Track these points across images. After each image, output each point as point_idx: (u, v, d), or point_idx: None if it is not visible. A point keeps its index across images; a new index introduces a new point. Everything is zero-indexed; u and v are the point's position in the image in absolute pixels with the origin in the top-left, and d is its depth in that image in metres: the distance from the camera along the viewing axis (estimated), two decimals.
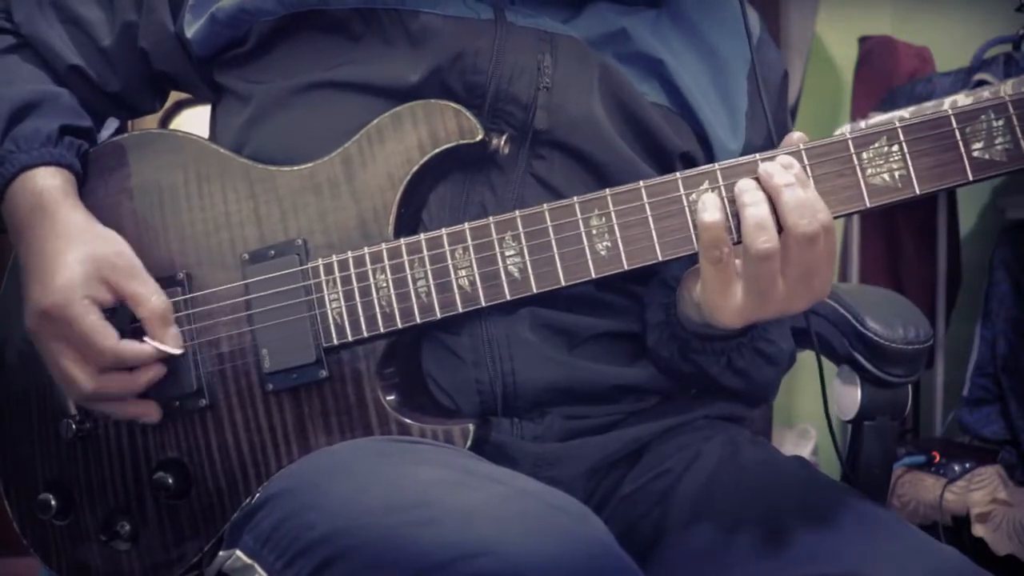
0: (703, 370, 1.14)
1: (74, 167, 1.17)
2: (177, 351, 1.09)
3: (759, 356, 1.15)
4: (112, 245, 1.12)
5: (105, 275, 1.09)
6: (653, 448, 1.17)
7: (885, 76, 3.34)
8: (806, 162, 1.00)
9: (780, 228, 0.97)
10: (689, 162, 1.18)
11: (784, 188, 0.96)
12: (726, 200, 0.99)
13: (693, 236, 1.01)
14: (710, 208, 0.98)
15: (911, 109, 2.74)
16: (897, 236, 3.26)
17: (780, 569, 0.98)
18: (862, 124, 2.92)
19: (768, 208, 0.97)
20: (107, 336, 1.07)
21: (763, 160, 1.00)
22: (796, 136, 1.01)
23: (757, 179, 0.98)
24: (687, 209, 1.01)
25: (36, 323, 1.10)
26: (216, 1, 1.17)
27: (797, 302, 0.99)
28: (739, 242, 0.99)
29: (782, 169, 0.98)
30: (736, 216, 0.98)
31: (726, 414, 1.24)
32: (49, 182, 1.14)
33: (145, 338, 1.09)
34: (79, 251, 1.10)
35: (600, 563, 0.85)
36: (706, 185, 1.01)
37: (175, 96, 1.37)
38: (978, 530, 2.55)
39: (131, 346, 1.08)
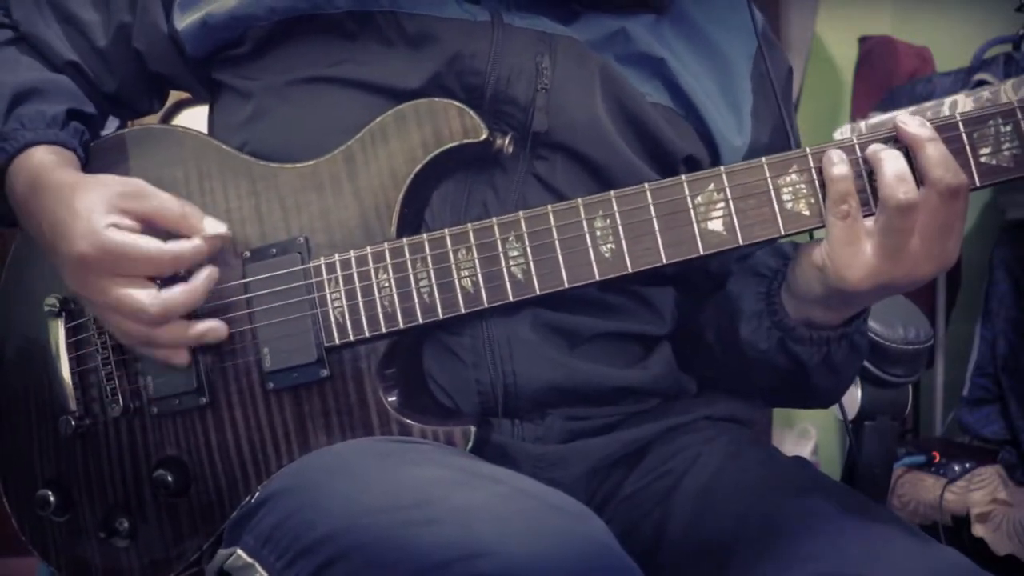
0: (799, 362, 1.11)
1: (77, 151, 1.16)
2: (223, 229, 1.07)
3: (854, 351, 1.13)
4: (114, 180, 1.10)
5: (120, 205, 1.06)
6: (654, 449, 1.17)
7: (885, 76, 3.35)
8: (812, 165, 1.00)
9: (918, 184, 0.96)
10: (693, 165, 1.18)
11: (928, 142, 0.96)
12: (860, 158, 0.99)
13: (698, 239, 1.01)
14: (838, 162, 0.98)
15: (911, 109, 2.74)
16: None
17: (781, 569, 0.98)
18: (862, 124, 2.92)
19: (905, 162, 0.96)
20: (152, 241, 1.05)
21: (808, 153, 1.00)
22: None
23: (891, 137, 0.98)
24: (692, 212, 1.01)
25: (75, 276, 1.07)
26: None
27: (927, 264, 0.98)
28: (868, 214, 0.98)
29: (921, 124, 0.97)
30: (869, 175, 0.98)
31: (727, 415, 1.24)
32: (45, 158, 1.13)
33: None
34: (85, 196, 1.07)
35: (600, 563, 0.85)
36: (712, 187, 1.01)
37: (175, 96, 1.37)
38: (978, 530, 2.55)
39: (180, 243, 1.05)
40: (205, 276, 1.07)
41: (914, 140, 0.97)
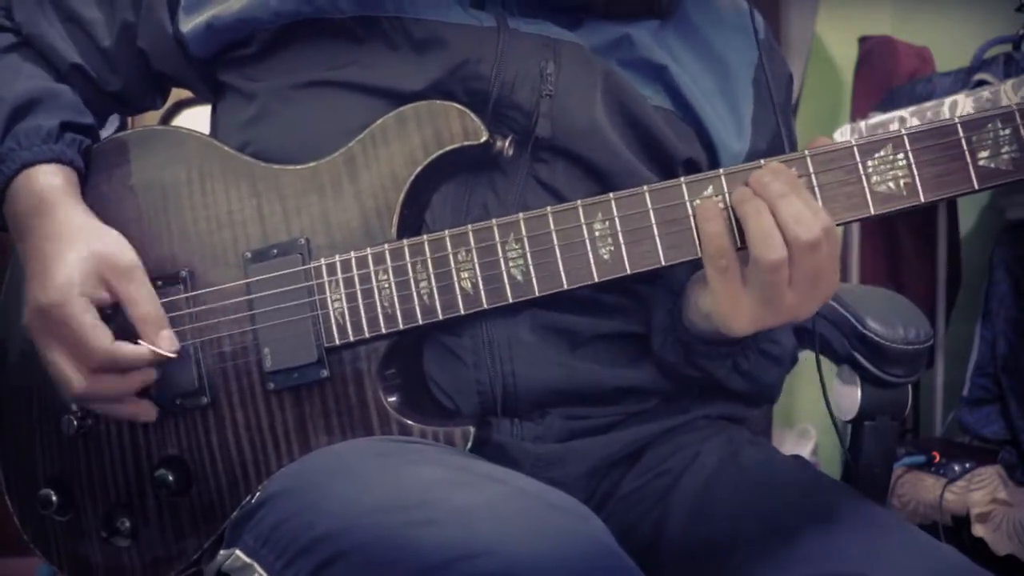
0: (709, 374, 1.15)
1: (76, 163, 1.17)
2: (171, 354, 1.09)
3: (764, 357, 1.16)
4: (113, 244, 1.11)
5: (104, 274, 1.09)
6: (653, 448, 1.17)
7: (885, 76, 3.34)
8: (811, 169, 1.00)
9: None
10: (693, 168, 1.18)
11: (779, 199, 0.96)
12: (729, 206, 0.99)
13: (696, 241, 1.01)
14: (711, 217, 0.99)
15: (911, 109, 2.74)
16: (897, 236, 3.27)
17: (779, 569, 0.98)
18: (862, 124, 2.92)
19: (770, 217, 0.96)
20: (100, 336, 1.07)
21: (763, 165, 1.00)
22: (821, 141, 1.01)
23: (750, 187, 0.98)
24: (691, 214, 1.01)
25: (34, 321, 1.10)
26: (210, 1, 1.17)
27: (806, 307, 0.99)
28: (742, 248, 0.98)
29: (773, 176, 0.97)
30: (738, 222, 0.98)
31: (726, 414, 1.24)
32: (50, 181, 1.14)
33: (140, 341, 1.09)
34: (79, 250, 1.09)
35: (600, 563, 0.85)
36: (710, 190, 1.01)
37: (175, 95, 1.37)
38: (978, 530, 2.55)
39: (125, 348, 1.08)
40: (140, 379, 1.10)
41: (769, 198, 0.96)
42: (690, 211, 1.01)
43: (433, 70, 1.11)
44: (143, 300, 1.10)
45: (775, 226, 0.96)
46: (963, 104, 2.55)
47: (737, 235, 0.99)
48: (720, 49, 1.22)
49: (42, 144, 1.15)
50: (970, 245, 3.28)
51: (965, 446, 2.90)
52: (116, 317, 1.10)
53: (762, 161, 1.00)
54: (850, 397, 1.32)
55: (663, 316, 1.14)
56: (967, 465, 2.66)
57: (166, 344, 1.09)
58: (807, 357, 1.27)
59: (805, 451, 3.18)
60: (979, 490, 2.59)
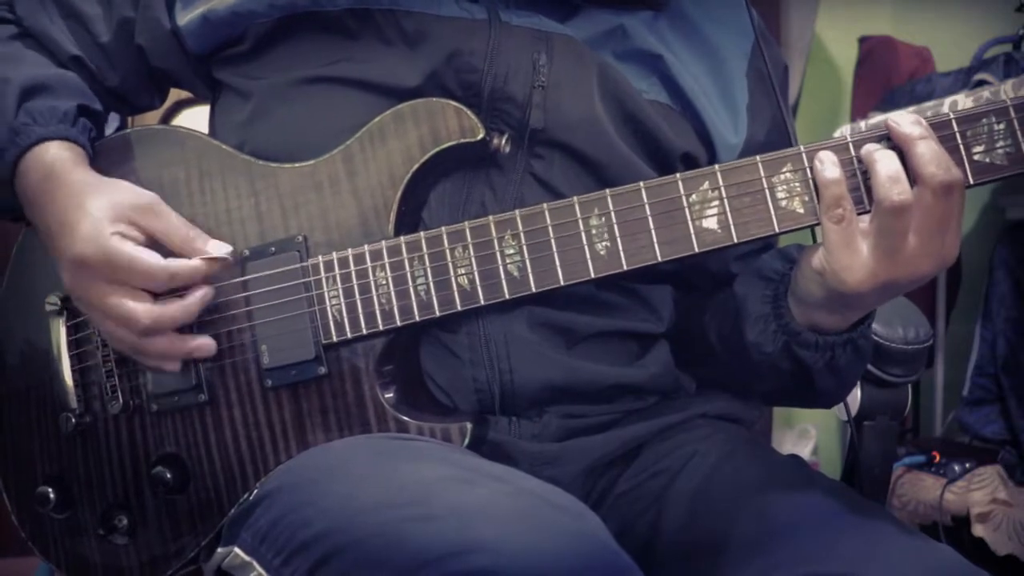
0: (804, 366, 1.12)
1: (86, 148, 1.17)
2: (226, 255, 1.08)
3: (858, 355, 1.13)
4: (128, 189, 1.11)
5: (130, 216, 1.08)
6: (650, 447, 1.17)
7: (885, 76, 3.35)
8: (806, 164, 1.00)
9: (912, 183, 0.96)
10: (690, 162, 1.18)
11: (919, 140, 0.96)
12: (854, 157, 0.99)
13: (693, 237, 1.01)
14: (829, 165, 0.98)
15: (911, 109, 2.74)
16: None
17: (775, 568, 0.98)
18: (862, 124, 2.92)
19: (898, 162, 0.96)
20: (153, 257, 1.06)
21: (802, 151, 1.00)
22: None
23: (884, 135, 0.98)
24: (687, 210, 1.01)
25: (73, 276, 1.08)
26: None
27: (926, 262, 0.98)
28: (866, 211, 0.98)
29: (912, 122, 0.97)
30: (863, 176, 0.98)
31: (724, 413, 1.24)
32: (61, 153, 1.14)
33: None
34: (98, 200, 1.08)
35: (598, 561, 0.85)
36: (706, 186, 1.01)
37: (175, 95, 1.37)
38: (978, 530, 2.55)
39: (179, 262, 1.07)
40: (200, 296, 1.08)
41: (906, 139, 0.97)
42: (686, 205, 1.01)
43: (426, 64, 1.11)
44: (176, 227, 1.08)
45: (903, 170, 0.96)
46: (963, 104, 2.55)
47: (864, 190, 0.98)
48: (714, 40, 1.22)
49: (58, 124, 1.15)
50: (970, 245, 3.28)
51: (965, 446, 2.90)
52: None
53: (758, 157, 1.01)
54: (850, 397, 1.32)
55: (759, 305, 1.13)
56: (967, 465, 2.66)
57: (217, 249, 1.08)
58: None
59: (805, 451, 3.18)
60: (979, 490, 2.59)
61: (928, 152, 0.96)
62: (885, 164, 0.96)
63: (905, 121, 0.98)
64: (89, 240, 1.06)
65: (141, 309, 1.06)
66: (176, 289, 1.08)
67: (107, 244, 1.05)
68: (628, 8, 1.18)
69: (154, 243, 1.08)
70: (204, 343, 1.09)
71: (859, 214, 0.99)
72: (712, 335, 1.22)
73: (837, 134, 3.00)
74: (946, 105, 2.62)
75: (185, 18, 1.19)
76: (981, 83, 2.83)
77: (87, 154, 1.17)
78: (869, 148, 0.98)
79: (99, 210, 1.07)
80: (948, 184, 0.95)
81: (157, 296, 1.07)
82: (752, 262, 1.21)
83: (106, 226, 1.06)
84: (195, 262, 1.07)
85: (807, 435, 3.28)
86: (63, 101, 1.17)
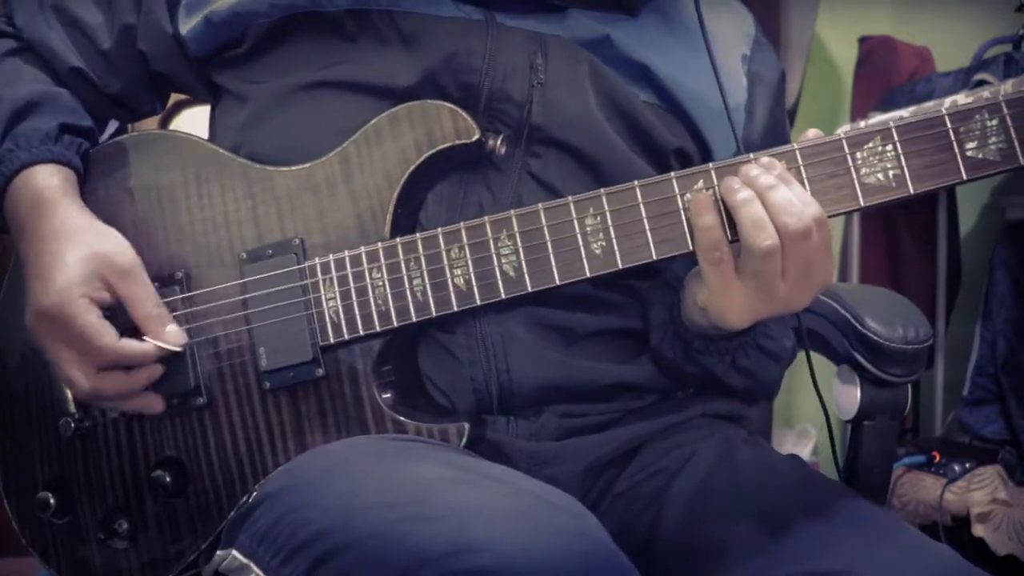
0: (708, 370, 1.15)
1: (74, 164, 1.17)
2: (177, 348, 1.09)
3: (763, 353, 1.16)
4: (112, 243, 1.11)
5: (104, 274, 1.09)
6: (648, 447, 1.17)
7: (885, 76, 3.35)
8: (800, 162, 1.00)
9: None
10: (683, 157, 1.18)
11: (767, 190, 0.97)
12: (719, 199, 1.00)
13: (688, 235, 1.01)
14: (704, 211, 0.99)
15: (911, 109, 2.74)
16: (897, 236, 3.27)
17: (774, 568, 0.98)
18: (862, 124, 2.92)
19: (760, 206, 0.97)
20: (105, 334, 1.07)
21: (752, 157, 1.00)
22: (812, 133, 1.02)
23: (740, 178, 0.99)
24: (682, 208, 1.01)
25: (36, 323, 1.10)
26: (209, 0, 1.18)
27: (800, 296, 1.00)
28: (734, 240, 0.99)
29: (762, 170, 0.98)
30: (729, 214, 0.99)
31: (723, 412, 1.24)
32: (49, 181, 1.14)
33: (145, 336, 1.09)
34: (78, 250, 1.09)
35: (596, 561, 0.85)
36: (701, 184, 1.01)
37: (175, 96, 1.37)
38: (978, 530, 2.55)
39: (130, 344, 1.08)
40: (146, 375, 1.10)
41: (759, 191, 0.97)
42: (680, 205, 1.01)
43: (423, 64, 1.11)
44: (144, 298, 1.10)
45: (766, 214, 0.97)
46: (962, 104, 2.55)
47: (729, 229, 0.99)
48: (713, 37, 1.21)
49: (40, 145, 1.15)
50: (970, 245, 3.28)
51: (965, 446, 2.90)
52: (119, 316, 1.10)
53: (751, 155, 1.01)
54: (850, 397, 1.32)
55: (661, 312, 1.15)
56: (967, 465, 2.66)
57: (172, 338, 1.09)
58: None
59: (805, 451, 3.17)
60: (979, 490, 2.59)
61: (780, 201, 0.97)
62: (747, 210, 0.97)
63: (756, 171, 0.98)
64: (57, 296, 1.07)
65: (82, 379, 1.08)
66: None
67: (71, 308, 1.07)
68: (603, 9, 1.17)
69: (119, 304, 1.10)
70: (150, 402, 1.11)
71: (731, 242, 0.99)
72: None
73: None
74: (945, 105, 2.62)
75: (188, 24, 1.20)
76: (981, 83, 2.83)
77: (76, 170, 1.17)
78: (728, 188, 0.99)
79: (76, 263, 1.08)
80: (803, 231, 0.96)
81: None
82: None
83: (76, 286, 1.07)
84: (147, 346, 1.08)
85: (807, 435, 3.28)
86: (46, 120, 1.17)
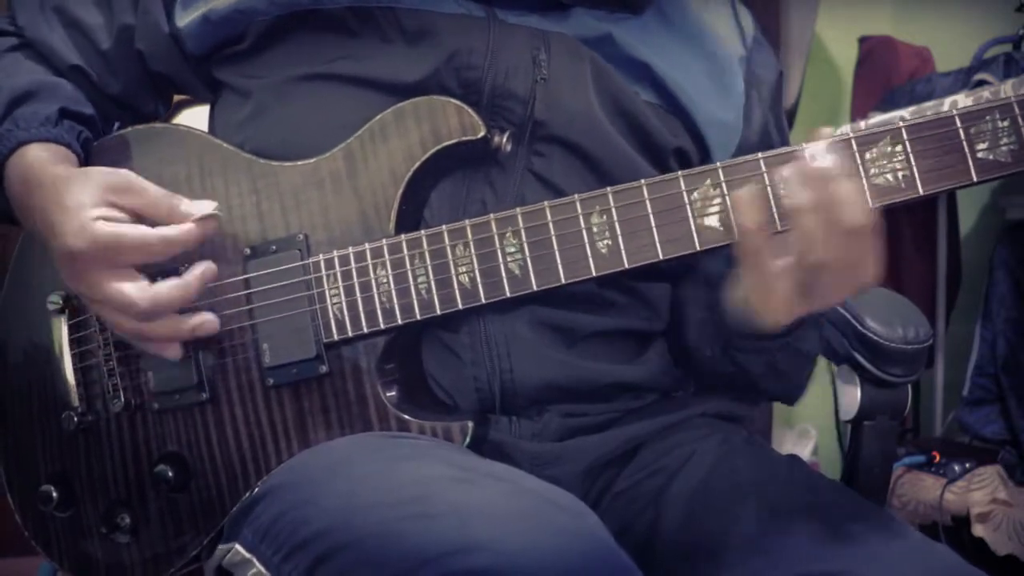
0: (744, 370, 1.13)
1: (73, 147, 1.16)
2: (216, 212, 1.06)
3: (800, 356, 1.15)
4: (100, 173, 1.09)
5: (108, 198, 1.06)
6: (648, 447, 1.17)
7: (885, 76, 3.35)
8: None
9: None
10: (683, 157, 1.18)
11: (828, 183, 0.95)
12: (761, 192, 0.98)
13: (695, 235, 1.01)
14: (746, 206, 0.97)
15: (911, 109, 2.74)
16: (897, 236, 3.27)
17: (773, 567, 0.98)
18: (862, 124, 2.92)
19: (812, 200, 0.94)
20: (140, 228, 1.04)
21: (804, 149, 0.98)
22: (827, 131, 1.00)
23: (799, 169, 0.96)
24: (688, 208, 1.01)
25: (69, 272, 1.07)
26: None
27: (840, 295, 0.99)
28: (779, 232, 0.98)
29: (822, 160, 0.96)
30: (775, 207, 0.98)
31: (723, 412, 1.24)
32: (39, 154, 1.13)
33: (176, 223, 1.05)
34: (74, 192, 1.06)
35: (597, 560, 0.85)
36: (708, 183, 1.01)
37: (175, 97, 1.37)
38: (978, 530, 2.55)
39: (172, 229, 1.05)
40: (200, 271, 1.06)
41: (816, 181, 0.95)
42: (687, 203, 1.01)
43: (426, 61, 1.11)
44: (157, 199, 1.06)
45: (815, 210, 0.94)
46: (963, 104, 2.55)
47: (777, 219, 0.98)
48: (712, 43, 1.22)
49: (39, 127, 1.15)
50: (970, 245, 3.29)
51: (965, 446, 2.90)
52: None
53: (760, 155, 1.00)
54: (850, 397, 1.32)
55: (699, 310, 1.14)
56: (967, 465, 2.67)
57: (203, 208, 1.06)
58: None
59: (805, 451, 3.18)
60: (979, 490, 2.59)
61: (839, 194, 0.94)
62: (796, 206, 0.95)
63: (817, 162, 0.96)
64: (75, 234, 1.04)
65: (136, 291, 1.04)
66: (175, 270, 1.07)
67: (92, 231, 1.03)
68: (608, 8, 1.18)
69: (140, 220, 1.07)
70: (206, 319, 1.08)
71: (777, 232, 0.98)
72: (670, 337, 1.23)
73: (839, 133, 3.01)
74: (946, 105, 2.62)
75: (184, 20, 1.20)
76: (981, 83, 2.84)
77: (73, 152, 1.16)
78: (782, 179, 0.97)
79: (77, 202, 1.05)
80: (859, 227, 0.94)
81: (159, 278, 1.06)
82: None
83: (88, 214, 1.04)
84: (187, 226, 1.05)
85: (807, 435, 3.28)
86: (47, 105, 1.17)
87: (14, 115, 1.15)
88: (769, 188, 0.99)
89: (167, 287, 1.05)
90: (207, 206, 1.06)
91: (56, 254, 1.07)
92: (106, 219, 1.04)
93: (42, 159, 1.13)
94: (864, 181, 0.98)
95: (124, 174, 1.08)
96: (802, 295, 0.97)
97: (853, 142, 0.99)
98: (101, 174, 1.09)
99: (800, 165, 0.96)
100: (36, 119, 1.15)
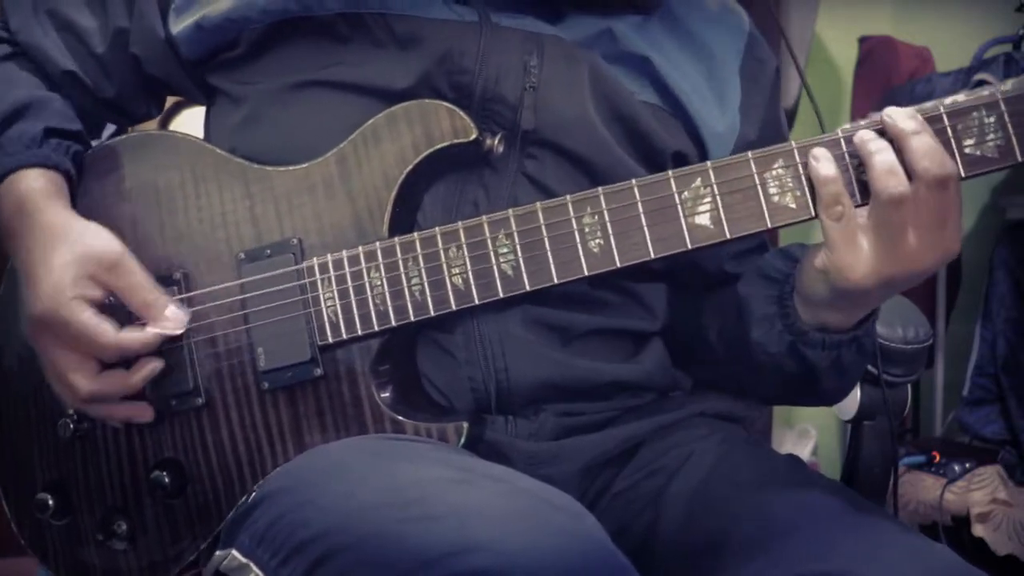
0: (810, 365, 1.12)
1: (62, 166, 1.17)
2: (179, 330, 1.09)
3: (861, 353, 1.13)
4: (95, 239, 1.11)
5: (92, 272, 1.08)
6: (647, 446, 1.17)
7: (885, 76, 3.35)
8: (797, 159, 1.00)
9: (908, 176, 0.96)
10: (681, 160, 1.18)
11: (912, 135, 0.96)
12: (845, 153, 0.99)
13: (686, 234, 1.01)
14: (825, 162, 0.99)
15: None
16: None
17: (773, 567, 0.98)
18: (862, 124, 2.92)
19: (893, 154, 0.96)
20: (104, 330, 1.07)
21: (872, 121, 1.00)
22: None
23: (879, 130, 0.98)
24: (679, 207, 1.01)
25: (33, 331, 1.10)
26: (199, 1, 1.18)
27: (928, 255, 0.98)
28: (861, 204, 0.98)
29: (907, 116, 0.98)
30: (856, 172, 0.99)
31: (722, 412, 1.24)
32: (32, 184, 1.14)
33: (146, 327, 1.08)
34: (63, 252, 1.09)
35: (595, 561, 0.85)
36: (698, 182, 1.01)
37: (174, 97, 1.37)
38: (978, 530, 2.55)
39: (132, 334, 1.08)
40: (146, 372, 1.09)
41: (900, 134, 0.97)
42: (678, 201, 1.01)
43: (418, 66, 1.11)
44: (138, 286, 1.09)
45: (898, 163, 0.96)
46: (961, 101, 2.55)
47: (856, 186, 0.99)
48: (707, 38, 1.22)
49: (26, 150, 1.15)
50: (970, 245, 3.28)
51: (965, 446, 2.90)
52: (117, 313, 1.09)
53: (749, 153, 1.01)
54: (850, 397, 1.32)
55: (765, 304, 1.13)
56: (967, 465, 2.66)
57: (173, 319, 1.09)
58: None
59: (805, 451, 3.18)
60: (979, 490, 2.59)
61: (922, 147, 0.96)
62: (880, 156, 0.97)
63: (900, 116, 0.98)
64: (48, 300, 1.07)
65: (82, 382, 1.08)
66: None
67: (64, 309, 1.06)
68: (615, 12, 1.18)
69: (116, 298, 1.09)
70: (139, 410, 1.11)
71: (857, 206, 0.99)
72: (712, 335, 1.22)
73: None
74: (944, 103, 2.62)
75: (179, 26, 1.20)
76: (981, 83, 2.83)
77: (63, 172, 1.17)
78: (862, 138, 0.99)
79: (62, 266, 1.08)
80: (942, 178, 0.96)
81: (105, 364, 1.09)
82: (749, 261, 1.21)
83: (66, 287, 1.07)
84: (147, 335, 1.08)
85: (807, 435, 3.28)
86: (32, 124, 1.17)
87: (1, 140, 1.16)
88: (847, 154, 1.00)
89: (112, 383, 1.09)
90: (179, 319, 1.09)
91: (25, 306, 1.10)
92: (82, 298, 1.07)
93: (37, 191, 1.14)
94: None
95: (118, 252, 1.10)
96: (889, 251, 0.97)
97: (842, 141, 1.01)
98: (97, 241, 1.10)
99: (883, 120, 0.98)
100: (21, 141, 1.16)
